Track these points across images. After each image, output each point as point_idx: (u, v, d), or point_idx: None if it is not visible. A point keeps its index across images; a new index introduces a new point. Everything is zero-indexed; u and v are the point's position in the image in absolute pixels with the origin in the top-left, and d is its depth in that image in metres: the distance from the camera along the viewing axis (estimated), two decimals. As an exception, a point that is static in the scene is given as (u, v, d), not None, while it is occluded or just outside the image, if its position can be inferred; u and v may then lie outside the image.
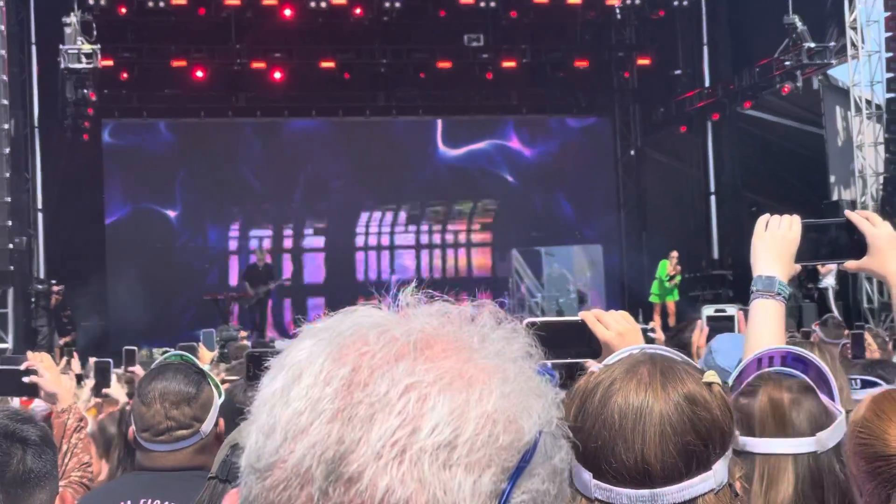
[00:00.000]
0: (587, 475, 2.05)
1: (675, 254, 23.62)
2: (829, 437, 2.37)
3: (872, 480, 2.38)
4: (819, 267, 19.10)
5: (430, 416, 1.03)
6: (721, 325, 3.68)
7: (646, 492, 2.00)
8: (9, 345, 19.15)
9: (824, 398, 2.43)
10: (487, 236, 28.54)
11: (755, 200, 24.58)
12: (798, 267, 2.95)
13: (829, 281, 20.53)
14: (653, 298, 23.43)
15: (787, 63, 22.20)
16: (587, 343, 2.76)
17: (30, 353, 5.32)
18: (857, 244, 2.86)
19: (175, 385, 3.92)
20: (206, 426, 3.86)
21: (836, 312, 19.38)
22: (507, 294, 26.03)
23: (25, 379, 4.48)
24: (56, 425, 4.33)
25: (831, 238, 2.95)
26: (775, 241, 2.94)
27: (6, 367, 4.85)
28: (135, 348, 8.96)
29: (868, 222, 2.91)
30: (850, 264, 2.90)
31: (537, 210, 28.21)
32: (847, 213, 2.96)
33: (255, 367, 5.07)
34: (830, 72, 22.68)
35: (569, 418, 2.05)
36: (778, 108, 24.12)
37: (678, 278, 23.33)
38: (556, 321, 2.95)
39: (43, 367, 4.68)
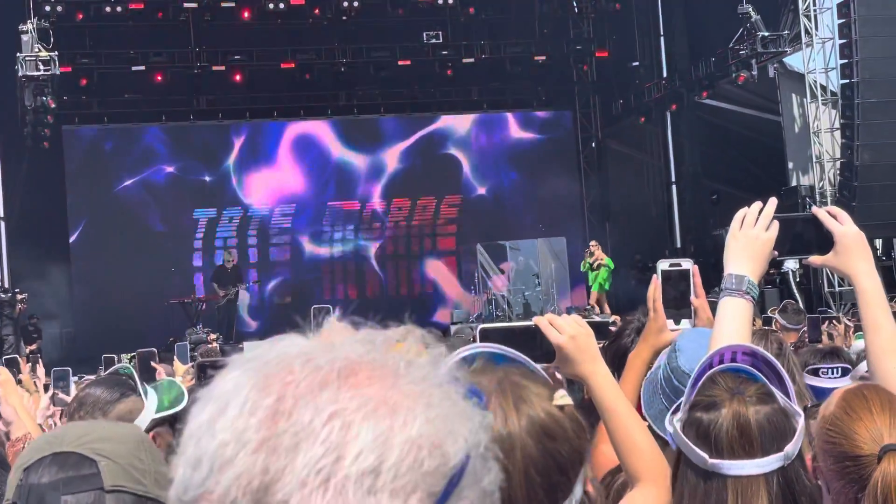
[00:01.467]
0: None
1: (592, 243, 23.95)
2: (793, 448, 2.37)
3: (840, 479, 2.39)
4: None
5: (355, 443, 1.04)
6: (676, 278, 3.67)
7: None
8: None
9: (781, 398, 2.42)
10: (452, 233, 28.62)
11: (715, 188, 24.82)
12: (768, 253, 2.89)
13: (790, 265, 20.65)
14: (595, 289, 23.62)
15: (743, 52, 22.44)
16: (540, 347, 2.77)
17: None
18: (822, 239, 2.87)
19: (97, 392, 3.88)
20: None
21: (798, 297, 19.60)
22: (473, 289, 26.16)
23: None
24: (10, 454, 4.31)
25: (797, 233, 2.94)
26: (749, 241, 2.89)
27: None
28: (114, 356, 8.97)
29: (835, 220, 2.87)
30: (815, 259, 2.89)
31: (500, 204, 28.32)
32: (814, 209, 2.92)
33: (204, 377, 5.03)
34: (786, 59, 22.89)
35: None
36: (735, 96, 24.35)
37: (605, 266, 23.40)
38: (510, 327, 2.98)
39: (1, 387, 4.73)
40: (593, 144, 28.86)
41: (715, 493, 2.38)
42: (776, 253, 2.89)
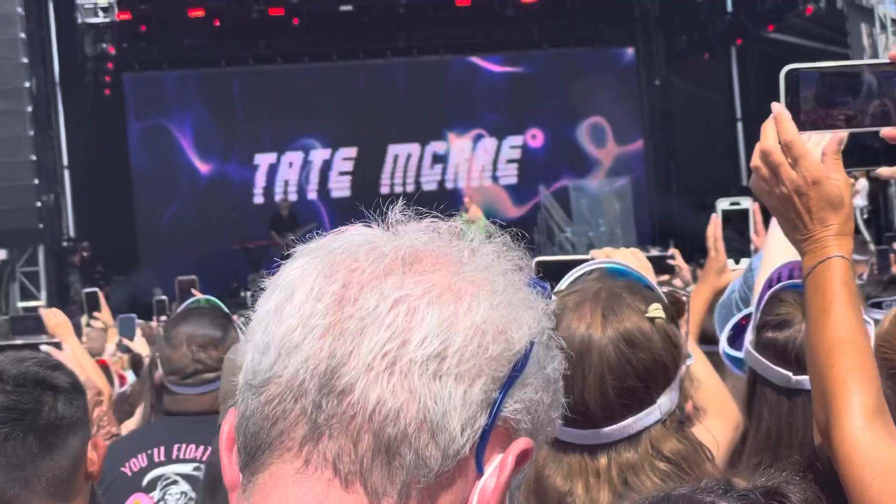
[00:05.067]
0: None
1: (466, 199, 23.84)
2: None
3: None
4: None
5: (420, 328, 1.05)
6: (736, 217, 3.56)
7: (588, 432, 2.01)
8: (42, 302, 19.28)
9: None
10: (514, 172, 28.40)
11: (783, 125, 24.34)
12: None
13: (858, 201, 20.34)
14: None
15: (811, -17, 21.90)
16: None
17: (42, 311, 5.34)
18: (891, 150, 2.76)
19: (201, 329, 3.91)
20: None
21: (865, 234, 19.27)
22: (537, 230, 26.01)
23: (43, 348, 4.49)
24: None
25: (864, 143, 2.85)
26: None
27: (24, 344, 4.88)
28: (164, 298, 9.00)
29: None
30: (884, 171, 2.79)
31: (563, 145, 28.04)
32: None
33: None
34: (855, -10, 22.33)
35: None
36: (802, 29, 23.78)
37: (481, 221, 23.15)
38: (566, 259, 2.95)
39: (56, 327, 4.70)
40: (657, 82, 28.40)
41: (801, 409, 2.35)
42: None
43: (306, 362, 1.06)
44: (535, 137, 28.20)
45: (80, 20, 21.15)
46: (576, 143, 28.09)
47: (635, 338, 2.02)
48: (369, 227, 1.16)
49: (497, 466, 1.08)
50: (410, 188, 27.85)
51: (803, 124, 2.02)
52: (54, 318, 4.96)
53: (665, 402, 2.04)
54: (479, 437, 1.06)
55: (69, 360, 4.59)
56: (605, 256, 2.86)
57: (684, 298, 2.35)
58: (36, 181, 19.47)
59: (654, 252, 7.35)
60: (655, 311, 2.06)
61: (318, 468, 1.05)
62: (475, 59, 28.10)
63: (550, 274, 2.27)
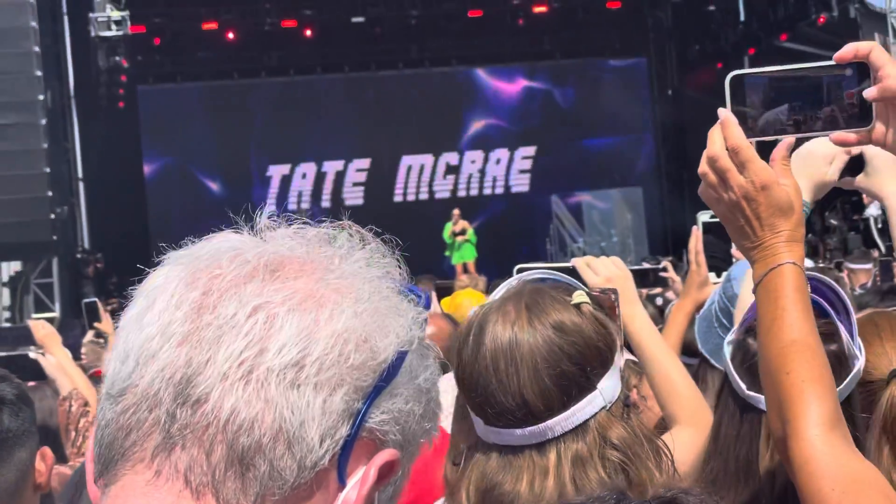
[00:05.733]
0: (480, 421, 2.05)
1: (455, 212, 23.57)
2: (843, 391, 2.20)
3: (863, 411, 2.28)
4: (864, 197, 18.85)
5: (278, 336, 1.03)
6: (718, 230, 3.56)
7: (534, 428, 1.98)
8: (56, 314, 19.34)
9: (845, 337, 2.28)
10: (526, 182, 28.38)
11: (795, 134, 24.28)
12: (830, 183, 2.64)
13: (872, 211, 20.26)
14: (454, 260, 23.37)
15: (823, -8, 21.87)
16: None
17: (30, 322, 5.36)
18: (854, 161, 2.75)
19: None
20: None
21: (880, 243, 19.17)
22: (549, 240, 25.98)
23: (32, 354, 4.52)
24: (60, 413, 4.34)
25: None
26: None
27: (12, 354, 4.91)
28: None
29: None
30: (846, 181, 2.77)
31: (575, 154, 28.02)
32: (835, 134, 2.78)
33: None
34: (867, -1, 22.31)
35: (454, 368, 2.08)
36: (815, 38, 23.74)
37: (470, 233, 23.20)
38: (548, 266, 2.96)
39: (44, 338, 4.73)
40: (669, 92, 28.38)
41: (748, 425, 2.30)
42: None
43: (162, 371, 1.03)
44: (547, 147, 28.16)
45: (93, 33, 21.25)
46: (588, 153, 28.06)
47: (563, 325, 2.00)
48: (239, 232, 1.14)
49: (359, 479, 1.06)
50: (424, 197, 27.88)
51: (751, 130, 1.98)
52: (42, 330, 4.99)
53: (607, 387, 2.01)
54: (340, 448, 1.04)
55: (55, 369, 4.63)
56: (584, 265, 2.87)
57: (613, 297, 2.34)
58: (50, 193, 19.53)
59: (647, 265, 7.34)
60: (579, 297, 2.05)
61: (169, 479, 1.02)
62: (487, 70, 28.11)
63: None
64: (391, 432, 1.08)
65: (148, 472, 1.03)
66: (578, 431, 1.98)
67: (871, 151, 2.62)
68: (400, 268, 1.15)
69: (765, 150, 2.02)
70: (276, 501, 1.02)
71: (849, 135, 2.01)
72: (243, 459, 1.01)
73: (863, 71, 1.97)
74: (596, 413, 1.99)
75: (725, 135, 1.97)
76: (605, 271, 2.85)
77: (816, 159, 2.58)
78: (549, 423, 1.97)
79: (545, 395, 1.97)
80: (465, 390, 2.06)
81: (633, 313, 2.77)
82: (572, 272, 2.77)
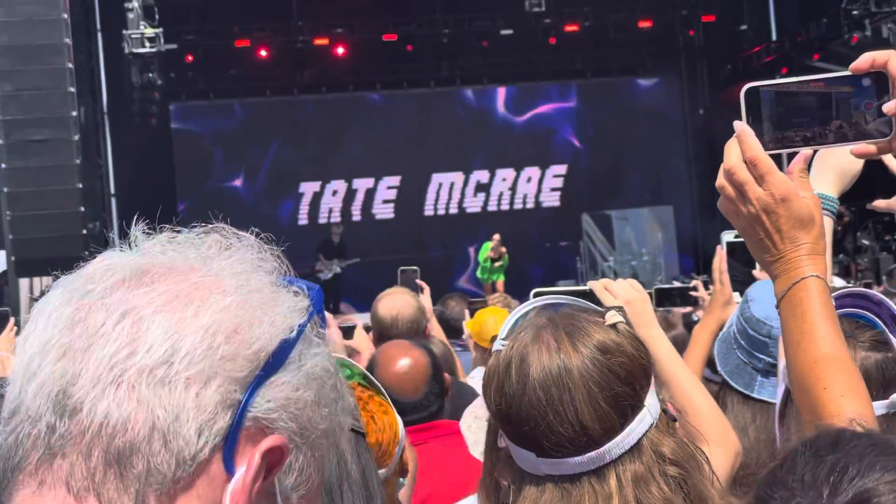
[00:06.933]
0: (530, 455, 2.03)
1: (496, 237, 23.51)
2: None
3: None
4: None
5: (146, 337, 1.06)
6: (741, 249, 3.54)
7: (593, 454, 1.97)
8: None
9: None
10: (557, 199, 28.33)
11: (828, 154, 24.12)
12: (855, 171, 2.60)
13: (906, 232, 20.10)
14: (484, 279, 23.56)
15: (855, 12, 21.74)
16: None
17: None
18: (889, 183, 2.72)
19: None
20: None
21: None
22: (579, 259, 25.91)
23: None
24: None
25: (863, 175, 2.81)
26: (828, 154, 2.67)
27: None
28: None
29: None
30: (879, 203, 2.74)
31: (606, 173, 27.95)
32: (859, 149, 2.72)
33: None
34: (901, 19, 22.16)
35: (491, 404, 2.07)
36: (847, 59, 23.36)
37: (505, 259, 23.28)
38: (564, 290, 2.96)
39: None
40: (701, 111, 28.30)
41: None
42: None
43: (42, 387, 1.07)
44: (579, 165, 28.13)
45: (127, 50, 21.42)
46: (619, 172, 27.99)
47: (607, 346, 2.00)
48: (122, 250, 1.18)
49: (245, 466, 1.08)
50: (454, 211, 27.89)
51: (767, 143, 1.97)
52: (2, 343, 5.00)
53: (653, 403, 2.02)
54: (222, 439, 1.07)
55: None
56: (602, 288, 2.86)
57: (691, 287, 2.35)
58: (82, 209, 19.66)
59: (677, 284, 7.29)
60: (613, 317, 2.05)
61: (52, 488, 1.06)
62: (518, 88, 28.12)
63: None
64: (280, 420, 1.10)
65: (34, 484, 1.07)
66: (634, 451, 1.98)
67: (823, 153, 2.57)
68: (281, 262, 1.22)
69: (781, 164, 2.00)
70: (159, 496, 1.05)
71: (869, 146, 1.97)
72: (120, 460, 1.04)
73: (881, 80, 1.95)
74: (647, 430, 2.00)
75: (742, 147, 1.96)
76: (624, 294, 2.85)
77: (839, 151, 2.54)
78: (608, 446, 1.97)
79: (603, 418, 1.97)
80: (512, 425, 2.03)
81: (652, 335, 2.79)
82: (589, 295, 2.77)
